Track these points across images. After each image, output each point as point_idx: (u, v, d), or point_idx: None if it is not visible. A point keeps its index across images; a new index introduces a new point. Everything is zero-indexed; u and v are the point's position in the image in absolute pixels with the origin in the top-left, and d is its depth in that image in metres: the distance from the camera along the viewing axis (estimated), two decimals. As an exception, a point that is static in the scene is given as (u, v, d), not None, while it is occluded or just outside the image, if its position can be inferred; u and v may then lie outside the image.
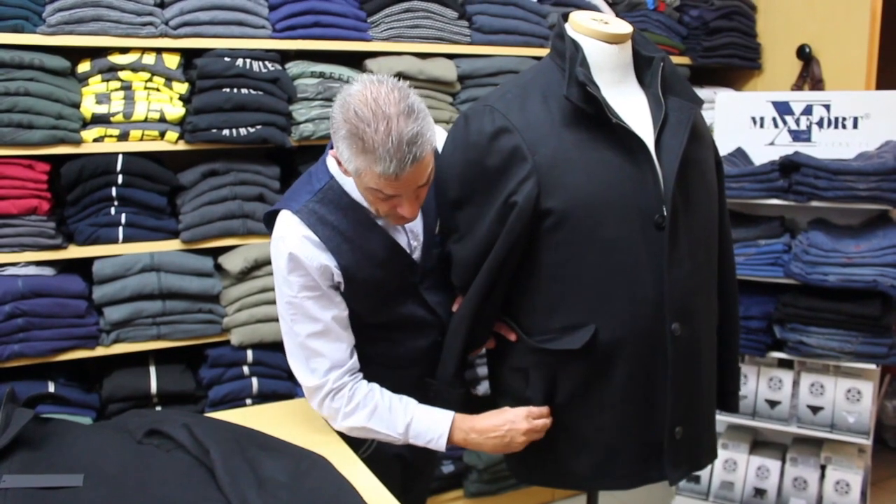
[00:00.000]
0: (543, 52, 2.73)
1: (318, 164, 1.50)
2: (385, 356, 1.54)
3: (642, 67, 1.49)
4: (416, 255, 1.52)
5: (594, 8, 2.82)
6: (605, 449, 1.49)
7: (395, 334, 1.53)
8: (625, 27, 1.47)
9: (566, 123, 1.40)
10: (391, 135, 1.25)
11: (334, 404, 1.46)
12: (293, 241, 1.41)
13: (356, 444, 1.51)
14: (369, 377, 1.50)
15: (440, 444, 1.48)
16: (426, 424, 1.48)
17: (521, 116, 1.41)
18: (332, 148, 1.42)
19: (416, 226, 1.51)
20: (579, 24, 1.46)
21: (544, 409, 1.48)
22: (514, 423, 1.47)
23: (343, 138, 1.30)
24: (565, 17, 1.50)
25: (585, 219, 1.39)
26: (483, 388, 2.42)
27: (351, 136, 1.28)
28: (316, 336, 1.44)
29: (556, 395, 1.49)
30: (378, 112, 1.25)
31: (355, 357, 1.50)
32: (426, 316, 1.54)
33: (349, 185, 1.43)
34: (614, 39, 1.45)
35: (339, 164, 1.36)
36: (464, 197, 1.47)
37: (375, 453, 1.55)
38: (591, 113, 1.39)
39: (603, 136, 1.40)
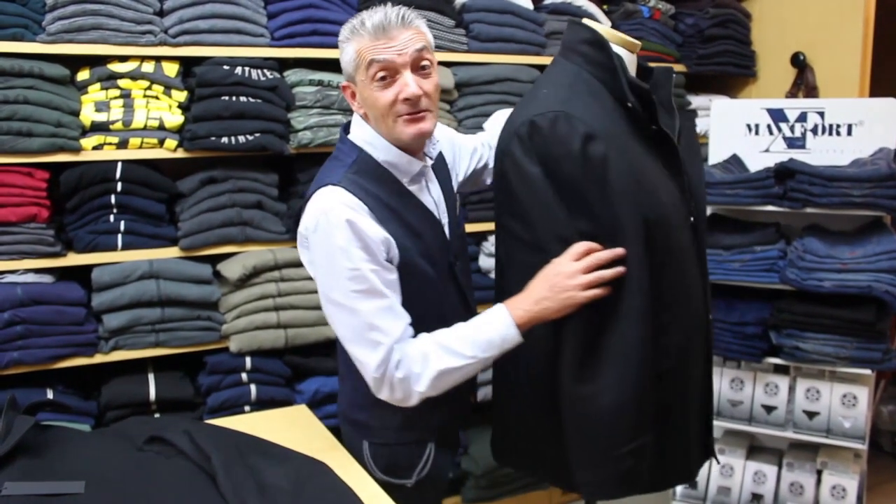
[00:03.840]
0: (540, 59, 2.76)
1: (338, 150, 1.48)
2: None
3: (641, 77, 1.53)
4: (446, 232, 1.52)
5: (591, 16, 2.83)
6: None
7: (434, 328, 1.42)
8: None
9: (626, 133, 1.40)
10: (377, 8, 1.38)
11: (401, 373, 1.34)
12: (346, 211, 1.33)
13: (410, 468, 1.50)
14: None
15: (516, 335, 1.37)
16: (490, 328, 1.36)
17: (598, 124, 1.35)
18: (347, 127, 1.48)
19: (440, 201, 1.52)
20: (606, 33, 1.44)
21: (592, 245, 1.36)
22: (558, 269, 1.35)
23: (344, 42, 1.40)
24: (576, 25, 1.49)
25: (661, 228, 1.39)
26: (482, 393, 2.43)
27: (348, 34, 1.39)
28: (382, 312, 1.34)
29: None
30: (373, 7, 1.40)
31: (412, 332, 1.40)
32: (458, 303, 1.51)
33: (381, 154, 1.42)
34: (633, 48, 1.48)
35: (353, 97, 1.43)
36: (572, 209, 1.38)
37: (433, 469, 1.52)
38: (644, 122, 1.41)
39: (648, 145, 1.43)
